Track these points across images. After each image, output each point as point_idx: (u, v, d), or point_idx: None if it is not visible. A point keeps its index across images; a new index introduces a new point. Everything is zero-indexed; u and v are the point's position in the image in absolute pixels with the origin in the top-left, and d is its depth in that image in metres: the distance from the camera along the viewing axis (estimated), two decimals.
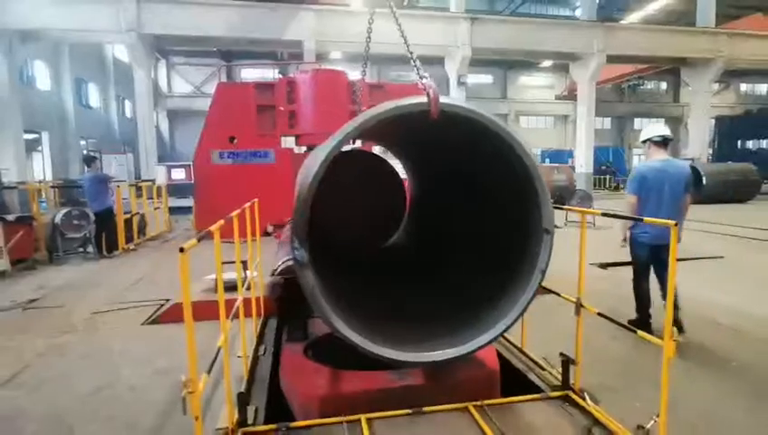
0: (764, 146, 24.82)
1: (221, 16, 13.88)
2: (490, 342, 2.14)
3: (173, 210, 11.44)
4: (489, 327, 2.11)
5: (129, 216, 8.50)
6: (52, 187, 13.30)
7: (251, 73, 28.93)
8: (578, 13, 28.98)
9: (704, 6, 18.31)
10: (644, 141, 3.91)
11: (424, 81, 2.10)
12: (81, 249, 7.61)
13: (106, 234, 7.57)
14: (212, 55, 27.50)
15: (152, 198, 10.69)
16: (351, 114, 9.27)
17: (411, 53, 2.88)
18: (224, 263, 4.60)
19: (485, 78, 34.51)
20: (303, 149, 9.34)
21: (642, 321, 3.73)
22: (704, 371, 3.13)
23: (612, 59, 17.77)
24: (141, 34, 13.43)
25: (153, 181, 11.57)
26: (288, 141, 9.48)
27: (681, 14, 23.68)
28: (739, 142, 25.91)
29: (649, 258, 3.77)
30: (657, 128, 3.87)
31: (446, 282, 2.77)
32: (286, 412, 2.76)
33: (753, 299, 4.85)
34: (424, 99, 1.86)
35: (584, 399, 2.52)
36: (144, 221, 9.26)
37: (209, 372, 1.99)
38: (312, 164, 1.77)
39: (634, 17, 24.79)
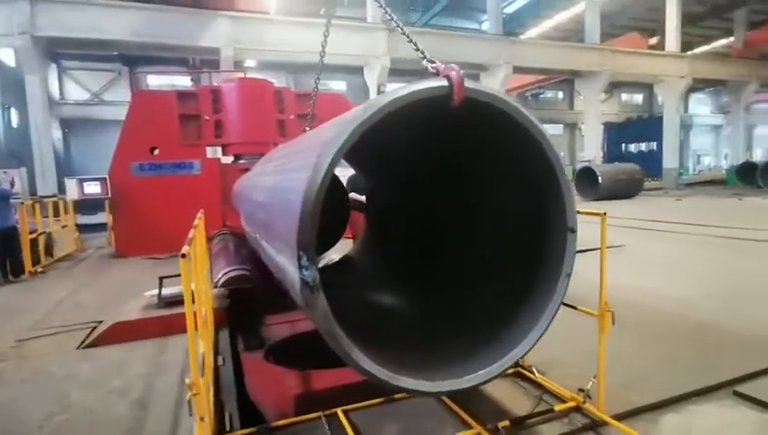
0: (644, 149, 28.34)
1: (128, 20, 13.02)
2: (522, 357, 1.84)
3: (79, 229, 10.53)
4: (514, 342, 1.78)
5: (34, 235, 7.73)
6: None
7: (158, 80, 27.26)
8: (485, 26, 31.12)
9: (590, 26, 20.59)
10: None
11: (442, 65, 1.74)
12: None
13: (10, 256, 6.82)
14: (112, 60, 25.49)
15: (56, 216, 9.77)
16: (278, 123, 9.25)
17: (416, 46, 2.48)
18: (165, 277, 4.48)
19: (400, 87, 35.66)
20: (231, 158, 9.12)
21: None
22: (627, 339, 3.64)
23: (517, 70, 19.33)
24: (36, 37, 12.21)
25: (58, 196, 10.54)
26: (214, 151, 9.20)
27: (572, 32, 26.39)
28: (624, 146, 29.41)
29: None
30: None
31: (456, 294, 2.37)
32: (257, 418, 2.79)
33: (657, 280, 5.67)
34: (443, 82, 1.54)
35: (533, 373, 2.87)
36: (51, 241, 8.45)
37: (202, 376, 2.01)
38: (310, 168, 1.42)
39: (533, 32, 27.16)
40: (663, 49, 22.17)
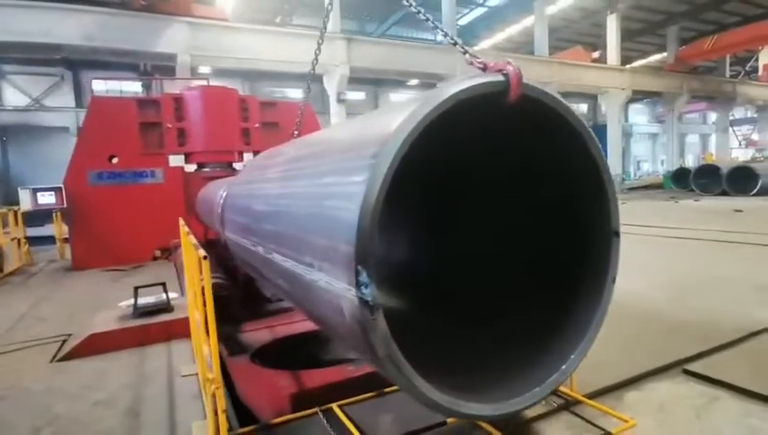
0: None
1: (81, 24, 12.56)
2: (573, 370, 1.70)
3: (29, 241, 9.99)
4: (564, 355, 1.66)
5: None
6: None
7: (103, 86, 26.08)
8: (440, 37, 31.96)
9: (539, 39, 21.72)
10: None
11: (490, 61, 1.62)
12: None
13: None
14: (54, 64, 24.19)
15: (4, 228, 9.24)
16: (243, 131, 9.22)
17: (453, 40, 2.31)
18: (141, 287, 4.44)
19: (359, 95, 35.97)
20: (194, 167, 8.99)
21: None
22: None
23: None
24: None
25: (9, 208, 9.94)
26: (176, 160, 9.03)
27: (522, 44, 27.67)
28: None
29: None
30: None
31: (492, 307, 2.14)
32: (249, 419, 2.87)
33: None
34: (498, 77, 1.42)
35: None
36: (2, 254, 8.01)
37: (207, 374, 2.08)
38: (363, 170, 1.27)
39: (486, 44, 28.23)
40: (605, 62, 23.68)
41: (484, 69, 1.58)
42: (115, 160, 8.35)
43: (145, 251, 8.34)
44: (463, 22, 29.55)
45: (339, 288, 1.32)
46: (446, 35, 2.43)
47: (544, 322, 1.85)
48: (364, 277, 1.22)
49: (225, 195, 3.86)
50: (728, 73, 32.90)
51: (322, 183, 1.56)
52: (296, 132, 3.68)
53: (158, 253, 8.61)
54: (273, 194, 2.08)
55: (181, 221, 3.67)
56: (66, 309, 5.42)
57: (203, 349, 2.36)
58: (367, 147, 1.34)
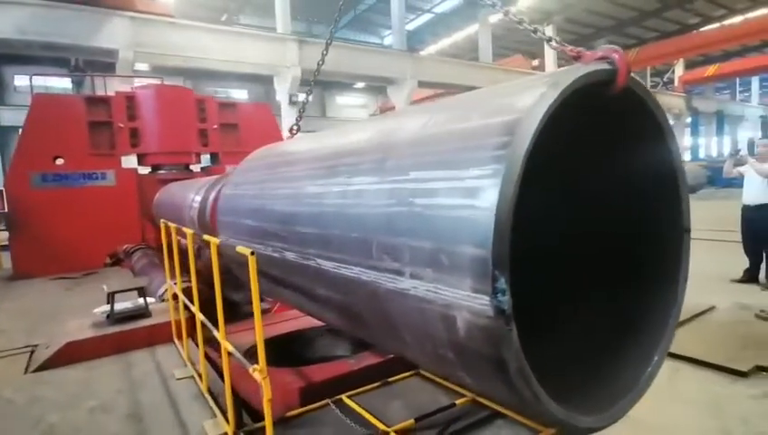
0: None
1: (14, 16, 11.62)
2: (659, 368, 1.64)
3: None
4: (648, 357, 1.60)
5: None
6: None
7: (26, 81, 24.07)
8: (387, 41, 32.45)
9: (484, 46, 22.70)
10: None
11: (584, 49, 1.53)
12: None
13: None
14: None
15: None
16: (200, 132, 8.99)
17: (544, 33, 2.13)
18: (117, 292, 4.31)
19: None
20: (148, 169, 8.64)
21: None
22: None
23: (421, 84, 20.60)
24: None
25: None
26: (129, 161, 8.64)
27: (466, 50, 28.70)
28: None
29: None
30: None
31: (573, 305, 2.00)
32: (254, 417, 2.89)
33: None
34: (603, 65, 1.33)
35: None
36: None
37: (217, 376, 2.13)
38: (487, 162, 1.16)
39: (432, 49, 29.02)
40: (544, 70, 25.12)
41: (578, 58, 1.51)
42: (60, 162, 7.86)
43: (96, 257, 7.88)
44: (410, 27, 30.19)
45: (452, 297, 1.20)
46: (519, 22, 2.20)
47: (619, 322, 1.78)
48: (502, 283, 1.10)
49: (213, 197, 3.81)
50: (649, 84, 35.98)
51: (416, 178, 1.39)
52: (296, 129, 3.73)
53: (108, 260, 8.18)
54: (311, 193, 1.95)
55: (172, 225, 3.61)
56: (22, 320, 5.07)
57: (221, 347, 2.39)
58: (487, 136, 1.22)
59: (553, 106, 1.16)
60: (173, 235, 3.53)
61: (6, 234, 8.17)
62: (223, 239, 3.06)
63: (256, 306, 1.97)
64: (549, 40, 2.00)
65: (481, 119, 1.33)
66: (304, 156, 2.32)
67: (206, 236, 2.55)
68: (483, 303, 1.11)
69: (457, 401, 2.66)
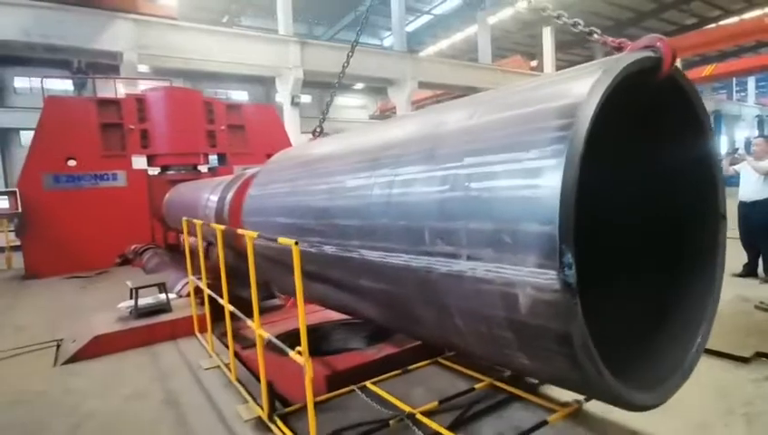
0: None
1: (19, 18, 11.72)
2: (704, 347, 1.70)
3: None
4: (691, 340, 1.66)
5: None
6: None
7: (27, 83, 24.16)
8: (386, 42, 32.61)
9: (483, 47, 22.86)
10: None
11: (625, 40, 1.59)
12: None
13: None
14: None
15: None
16: (208, 134, 9.12)
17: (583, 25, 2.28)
18: (141, 287, 4.45)
19: (306, 98, 35.79)
20: (157, 170, 8.78)
21: None
22: None
23: (421, 85, 20.75)
24: None
25: None
26: (140, 162, 8.77)
27: (465, 51, 28.88)
28: None
29: None
30: None
31: (618, 290, 2.03)
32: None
33: None
34: (648, 54, 1.37)
35: None
36: None
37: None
38: (547, 143, 1.21)
39: (430, 50, 29.19)
40: (542, 71, 25.30)
41: (620, 48, 1.56)
42: (73, 163, 7.99)
43: (107, 257, 8.01)
44: (409, 29, 30.33)
45: (514, 275, 1.22)
46: (555, 17, 2.50)
47: (661, 303, 1.83)
48: (568, 258, 1.11)
49: (231, 197, 3.92)
50: None
51: (471, 163, 1.43)
52: (319, 130, 3.86)
53: (118, 260, 8.30)
54: (351, 186, 2.02)
55: (197, 222, 3.74)
56: (43, 316, 5.21)
57: (256, 336, 2.53)
58: (547, 119, 1.27)
59: (609, 90, 1.22)
60: (198, 232, 3.66)
61: (14, 235, 8.30)
62: (259, 240, 3.19)
63: (300, 295, 2.10)
64: (589, 33, 2.13)
65: (536, 105, 1.38)
66: (339, 153, 2.42)
67: (240, 231, 2.68)
68: (549, 277, 1.14)
69: (476, 386, 2.80)
